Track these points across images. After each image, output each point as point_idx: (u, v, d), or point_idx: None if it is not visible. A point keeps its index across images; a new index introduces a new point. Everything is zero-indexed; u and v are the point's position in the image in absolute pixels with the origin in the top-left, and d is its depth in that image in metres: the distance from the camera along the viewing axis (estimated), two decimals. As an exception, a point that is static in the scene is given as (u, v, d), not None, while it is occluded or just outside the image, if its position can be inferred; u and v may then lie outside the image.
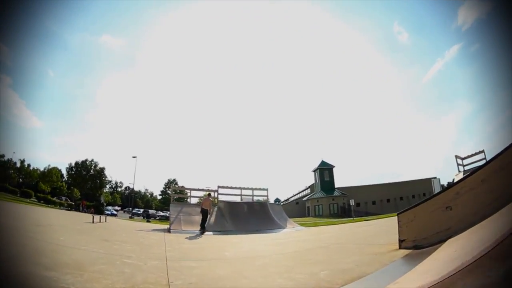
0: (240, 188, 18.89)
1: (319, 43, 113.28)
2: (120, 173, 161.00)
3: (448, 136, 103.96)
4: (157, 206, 76.64)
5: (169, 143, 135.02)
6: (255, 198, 19.41)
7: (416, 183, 59.88)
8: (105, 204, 53.95)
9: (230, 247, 8.80)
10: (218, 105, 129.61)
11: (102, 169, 65.01)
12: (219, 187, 18.01)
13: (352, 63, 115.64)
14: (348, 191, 55.48)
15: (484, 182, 5.14)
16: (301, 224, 20.51)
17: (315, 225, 21.67)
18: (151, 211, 54.62)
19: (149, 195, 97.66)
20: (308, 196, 59.85)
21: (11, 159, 62.95)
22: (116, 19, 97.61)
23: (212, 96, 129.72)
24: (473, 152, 18.96)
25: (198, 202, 18.31)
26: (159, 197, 78.55)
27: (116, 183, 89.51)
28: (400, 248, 5.92)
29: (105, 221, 16.58)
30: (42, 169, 64.58)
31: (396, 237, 8.13)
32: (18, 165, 65.88)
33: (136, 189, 77.43)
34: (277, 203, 24.10)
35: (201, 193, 18.51)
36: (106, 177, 66.86)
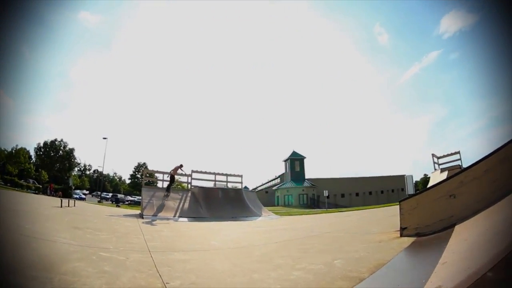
0: (214, 174, 18.64)
1: (300, 38, 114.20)
2: (89, 155, 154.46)
3: (420, 137, 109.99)
4: (126, 190, 74.95)
5: (141, 126, 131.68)
6: (229, 185, 19.30)
7: (386, 179, 63.06)
8: (73, 188, 51.65)
9: (214, 235, 8.68)
10: (193, 90, 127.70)
11: (72, 150, 63.28)
12: (193, 171, 17.66)
13: (331, 59, 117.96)
14: (318, 183, 57.11)
15: (487, 172, 5.48)
16: (275, 213, 20.73)
17: (289, 214, 22.04)
18: (120, 196, 53.39)
19: (118, 179, 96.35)
20: (278, 186, 60.79)
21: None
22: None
23: (187, 80, 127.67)
24: (448, 153, 20.72)
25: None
26: (128, 181, 76.35)
27: (85, 165, 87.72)
28: (401, 236, 6.13)
29: (74, 206, 16.07)
30: (9, 149, 61.43)
31: (387, 226, 8.58)
32: (-16, 145, 61.96)
33: (104, 172, 74.99)
34: (251, 190, 24.12)
35: (175, 177, 18.25)
36: (75, 158, 65.30)
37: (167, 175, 16.95)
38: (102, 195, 51.04)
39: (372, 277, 3.37)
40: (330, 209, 31.22)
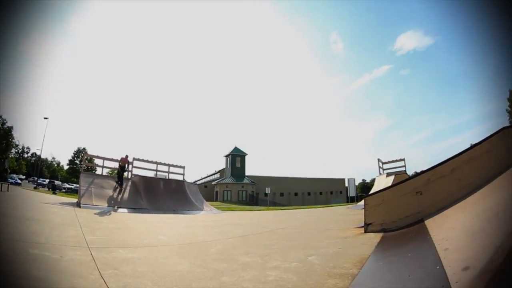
0: (156, 163, 17.63)
1: (256, 34, 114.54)
2: (28, 137, 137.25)
3: (361, 144, 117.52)
4: (64, 177, 69.06)
5: (84, 108, 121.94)
6: (171, 176, 18.39)
7: (325, 181, 66.37)
8: (9, 171, 45.51)
9: (160, 229, 7.98)
10: (138, 77, 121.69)
11: (10, 128, 56.05)
12: (134, 159, 16.53)
13: (283, 59, 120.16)
14: (258, 180, 57.90)
15: (454, 171, 5.82)
16: (216, 208, 20.35)
17: (231, 209, 21.80)
18: (57, 182, 48.21)
19: (56, 165, 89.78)
20: (217, 181, 60.24)
21: None
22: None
23: (134, 68, 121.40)
24: (393, 159, 22.46)
25: (109, 173, 16.60)
26: (66, 167, 69.72)
27: (23, 147, 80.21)
28: (366, 231, 6.19)
29: (7, 191, 14.96)
30: None
31: (344, 224, 8.72)
32: None
33: (43, 156, 67.83)
34: (193, 183, 23.31)
35: (115, 164, 17.20)
36: (13, 138, 58.72)
37: (109, 161, 15.94)
38: (38, 181, 46.02)
39: (364, 272, 3.20)
40: (271, 207, 31.63)
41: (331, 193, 65.86)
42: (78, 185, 18.59)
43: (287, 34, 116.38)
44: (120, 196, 13.95)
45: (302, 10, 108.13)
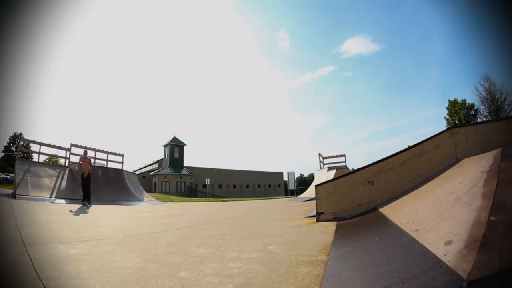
0: (95, 150, 16.41)
1: (202, 27, 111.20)
2: None
3: (302, 139, 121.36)
4: None
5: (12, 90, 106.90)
6: (109, 165, 17.27)
7: (263, 174, 67.69)
8: None
9: (101, 220, 7.36)
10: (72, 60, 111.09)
11: None
12: (72, 145, 15.18)
13: (229, 52, 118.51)
14: (196, 172, 57.03)
15: (404, 163, 6.27)
16: (156, 199, 19.64)
17: (171, 200, 21.28)
18: None
19: None
20: (156, 171, 58.03)
21: None
22: None
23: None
24: (334, 154, 23.52)
25: (46, 161, 14.99)
26: (1, 155, 60.96)
27: None
28: (317, 220, 6.34)
29: None
30: None
31: (292, 214, 8.87)
32: None
33: None
34: (132, 172, 22.15)
35: (54, 151, 16.42)
36: None
37: (47, 147, 14.51)
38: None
39: (335, 257, 3.24)
40: (211, 199, 31.37)
41: (269, 186, 67.41)
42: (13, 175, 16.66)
43: (235, 25, 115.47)
44: (57, 186, 12.81)
45: (255, 2, 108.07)
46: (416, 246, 2.59)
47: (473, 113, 44.14)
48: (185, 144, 59.67)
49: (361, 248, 3.36)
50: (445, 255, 2.12)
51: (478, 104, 41.98)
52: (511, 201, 2.53)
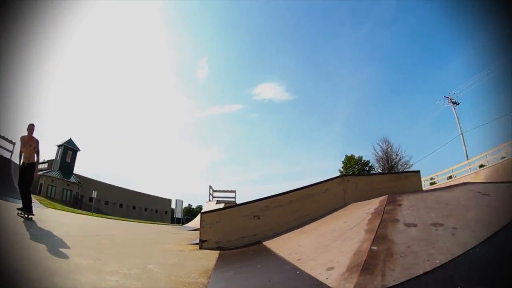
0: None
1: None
2: None
3: (195, 169, 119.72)
4: None
5: None
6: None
7: (152, 198, 64.54)
8: None
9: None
10: None
11: None
12: None
13: (144, 68, 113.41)
14: (85, 182, 51.18)
15: (292, 202, 6.62)
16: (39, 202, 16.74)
17: (54, 207, 18.33)
18: None
19: None
20: (44, 172, 49.52)
21: None
22: None
23: None
24: (226, 189, 23.47)
25: None
26: None
27: None
28: (200, 248, 6.08)
29: None
30: None
31: (176, 240, 8.43)
32: None
33: None
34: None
35: None
36: None
37: None
38: None
39: (216, 281, 3.07)
40: (96, 214, 28.20)
41: (156, 211, 63.89)
42: None
43: (160, 38, 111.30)
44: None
45: (187, 22, 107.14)
46: (298, 272, 2.61)
47: (368, 169, 46.59)
48: (79, 150, 53.52)
49: (243, 274, 3.28)
50: (327, 278, 2.18)
51: (373, 162, 44.55)
52: (393, 235, 2.76)
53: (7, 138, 14.41)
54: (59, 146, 51.25)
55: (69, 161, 50.89)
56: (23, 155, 7.00)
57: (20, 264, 2.90)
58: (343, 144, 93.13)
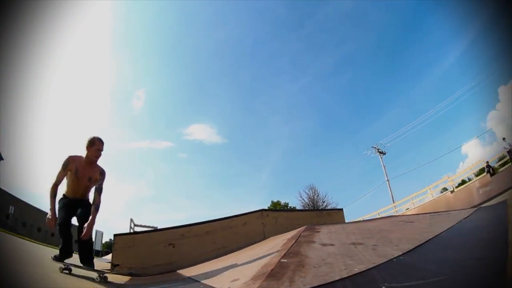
0: None
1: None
2: None
3: (117, 202, 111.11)
4: None
5: None
6: None
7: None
8: None
9: None
10: None
11: None
12: None
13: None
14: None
15: (209, 233, 6.44)
16: None
17: None
18: None
19: None
20: None
21: None
22: None
23: None
24: (147, 224, 21.95)
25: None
26: None
27: None
28: (111, 272, 5.45)
29: None
30: None
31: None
32: None
33: None
34: None
35: None
36: None
37: None
38: None
39: None
40: (12, 232, 24.32)
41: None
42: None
43: (102, 55, 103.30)
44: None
45: (139, 44, 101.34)
46: (202, 286, 2.55)
47: (293, 214, 48.18)
48: (2, 159, 46.72)
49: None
50: (229, 287, 2.14)
51: (299, 208, 43.46)
52: (307, 251, 2.81)
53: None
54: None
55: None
56: (71, 188, 4.04)
57: None
58: (269, 191, 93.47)
